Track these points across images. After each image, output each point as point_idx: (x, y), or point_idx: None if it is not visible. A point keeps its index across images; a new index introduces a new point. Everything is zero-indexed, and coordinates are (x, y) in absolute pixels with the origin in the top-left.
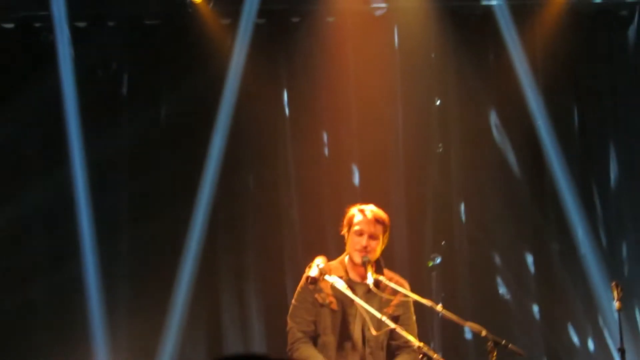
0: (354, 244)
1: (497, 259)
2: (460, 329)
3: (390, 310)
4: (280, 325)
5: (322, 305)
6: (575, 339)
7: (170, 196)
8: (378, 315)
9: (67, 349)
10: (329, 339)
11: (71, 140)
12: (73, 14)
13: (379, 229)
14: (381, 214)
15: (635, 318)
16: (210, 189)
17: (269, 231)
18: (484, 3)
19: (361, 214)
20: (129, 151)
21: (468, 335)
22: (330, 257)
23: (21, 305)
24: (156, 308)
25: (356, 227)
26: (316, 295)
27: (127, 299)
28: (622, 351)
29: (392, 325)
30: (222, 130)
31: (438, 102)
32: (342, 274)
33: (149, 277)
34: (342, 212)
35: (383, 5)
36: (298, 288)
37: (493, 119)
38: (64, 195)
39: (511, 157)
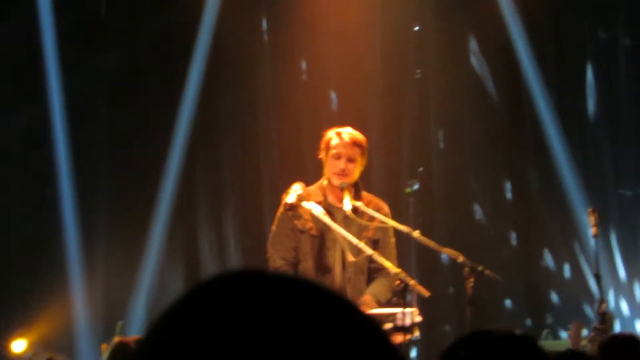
0: (331, 167)
1: (475, 186)
2: (437, 255)
3: (369, 233)
4: (258, 249)
5: (301, 232)
6: (551, 265)
7: (150, 123)
8: (355, 241)
9: (45, 279)
10: (309, 264)
11: (48, 67)
12: None
13: (356, 152)
14: (358, 136)
15: (610, 244)
16: (190, 114)
17: (247, 156)
18: None
19: (338, 137)
20: (108, 77)
21: (445, 261)
22: (308, 183)
23: None
24: (134, 238)
25: (333, 151)
26: (295, 222)
27: (106, 228)
28: (597, 277)
29: (369, 251)
30: (200, 56)
31: (416, 28)
32: (321, 198)
33: (127, 206)
34: (320, 137)
35: None
36: (277, 214)
37: (472, 45)
38: (42, 122)
39: (490, 84)
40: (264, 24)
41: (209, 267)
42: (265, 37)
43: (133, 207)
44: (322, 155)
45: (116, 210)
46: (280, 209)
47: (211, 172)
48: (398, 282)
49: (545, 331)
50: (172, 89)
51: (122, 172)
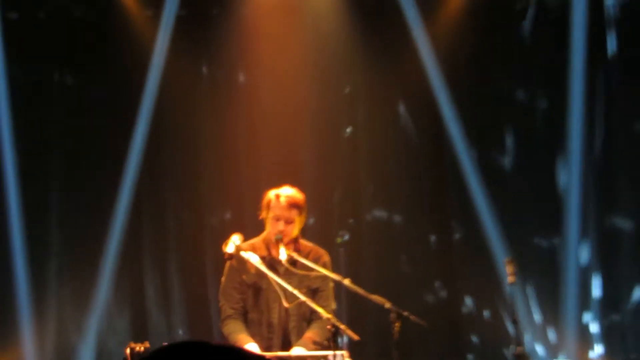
0: (272, 228)
1: (402, 237)
2: (366, 301)
3: (310, 283)
4: (201, 296)
5: (248, 286)
6: (473, 310)
7: (98, 172)
8: (289, 288)
9: None
10: (255, 315)
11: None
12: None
13: (294, 213)
14: (296, 197)
15: (526, 291)
16: (136, 162)
17: (190, 204)
18: None
19: (277, 199)
20: (58, 126)
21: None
22: (248, 231)
23: None
24: (84, 284)
25: (271, 214)
26: (243, 276)
27: (55, 275)
28: (515, 322)
29: (302, 298)
30: (146, 109)
31: (347, 90)
32: (265, 252)
33: (76, 253)
34: (258, 187)
35: None
36: (226, 269)
37: (400, 106)
38: None
39: (416, 142)
40: (203, 75)
41: (155, 314)
42: (206, 83)
43: (82, 255)
44: (263, 214)
45: (66, 257)
46: (227, 264)
47: (156, 221)
48: (330, 326)
49: None
50: (119, 138)
51: (71, 220)
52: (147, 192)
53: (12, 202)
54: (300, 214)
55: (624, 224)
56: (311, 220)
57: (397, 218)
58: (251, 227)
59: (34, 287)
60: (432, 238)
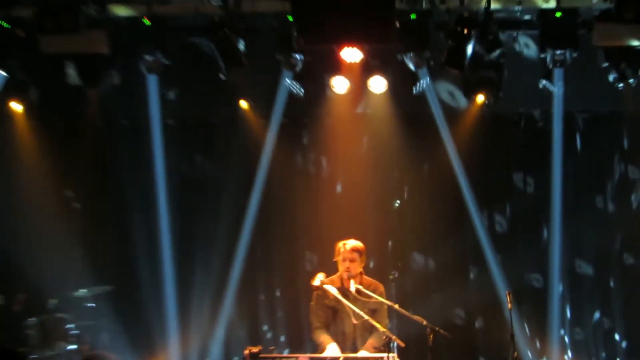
0: (342, 267)
1: (433, 275)
2: (410, 320)
3: (370, 306)
4: (296, 314)
5: (328, 307)
6: (482, 327)
7: (226, 226)
8: (357, 310)
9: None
10: (333, 328)
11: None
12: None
13: (355, 255)
14: (357, 245)
15: (521, 313)
16: (251, 225)
17: (288, 255)
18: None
19: (344, 246)
20: (207, 199)
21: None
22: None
23: None
24: (214, 301)
25: (340, 257)
26: (325, 301)
27: (197, 295)
28: (512, 336)
29: (365, 317)
30: (258, 188)
31: (396, 175)
32: (339, 284)
33: (209, 278)
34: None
35: (360, 110)
36: (313, 296)
37: (432, 184)
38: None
39: (442, 209)
40: (299, 160)
41: (264, 325)
42: (300, 170)
43: (214, 281)
44: (336, 258)
45: (204, 283)
46: (314, 292)
47: (266, 264)
48: (385, 337)
49: None
50: (242, 207)
51: (207, 261)
52: (261, 244)
53: (165, 253)
54: (360, 256)
55: (587, 269)
56: (371, 264)
57: (430, 262)
58: (331, 269)
59: (181, 305)
60: (453, 274)
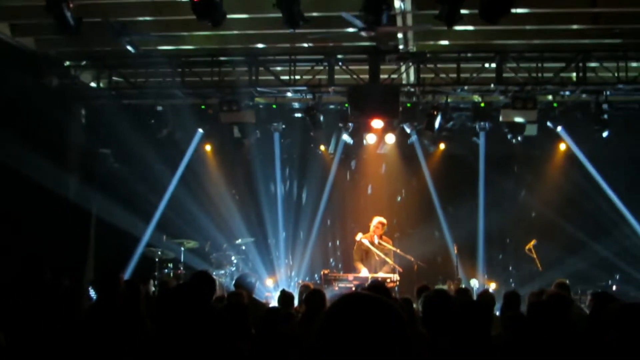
0: (372, 230)
1: (420, 238)
2: (403, 257)
3: (385, 250)
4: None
5: (363, 250)
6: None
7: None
8: (377, 252)
9: None
10: (366, 261)
11: None
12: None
13: (380, 225)
14: (382, 220)
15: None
16: (322, 214)
17: (343, 223)
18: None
19: (375, 220)
20: None
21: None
22: (363, 229)
23: None
24: None
25: (372, 224)
26: (362, 247)
27: None
28: (456, 267)
29: (382, 255)
30: (327, 191)
31: (399, 198)
32: (370, 239)
33: None
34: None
35: (380, 151)
36: (356, 244)
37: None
38: None
39: (418, 203)
40: (348, 177)
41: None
42: (350, 187)
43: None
44: (370, 224)
45: None
46: (356, 242)
47: (335, 229)
48: (394, 267)
49: None
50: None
51: None
52: (330, 217)
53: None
54: (383, 225)
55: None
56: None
57: (413, 229)
58: (366, 230)
59: (288, 247)
60: (423, 232)
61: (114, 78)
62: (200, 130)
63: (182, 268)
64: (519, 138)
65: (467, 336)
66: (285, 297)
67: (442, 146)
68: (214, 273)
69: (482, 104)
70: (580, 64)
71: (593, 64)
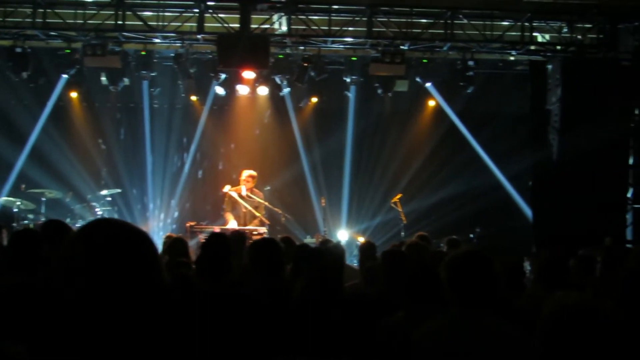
0: (241, 183)
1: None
2: (273, 211)
3: (254, 203)
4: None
5: (232, 202)
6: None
7: None
8: (246, 205)
9: None
10: (234, 213)
11: None
12: None
13: (249, 178)
14: (251, 172)
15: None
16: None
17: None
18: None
19: (243, 172)
20: None
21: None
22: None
23: None
24: None
25: (241, 177)
26: (231, 199)
27: None
28: (324, 219)
29: (249, 207)
30: (195, 143)
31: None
32: (239, 191)
33: None
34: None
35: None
36: (224, 197)
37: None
38: None
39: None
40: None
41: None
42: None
43: None
44: (239, 178)
45: None
46: (226, 194)
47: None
48: (260, 219)
49: None
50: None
51: None
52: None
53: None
54: (253, 179)
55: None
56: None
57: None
58: (233, 183)
59: (156, 192)
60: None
61: None
62: (65, 76)
63: (43, 219)
64: (389, 94)
65: (318, 284)
66: None
67: (314, 99)
68: (76, 225)
69: (354, 58)
70: (449, 21)
71: (461, 22)
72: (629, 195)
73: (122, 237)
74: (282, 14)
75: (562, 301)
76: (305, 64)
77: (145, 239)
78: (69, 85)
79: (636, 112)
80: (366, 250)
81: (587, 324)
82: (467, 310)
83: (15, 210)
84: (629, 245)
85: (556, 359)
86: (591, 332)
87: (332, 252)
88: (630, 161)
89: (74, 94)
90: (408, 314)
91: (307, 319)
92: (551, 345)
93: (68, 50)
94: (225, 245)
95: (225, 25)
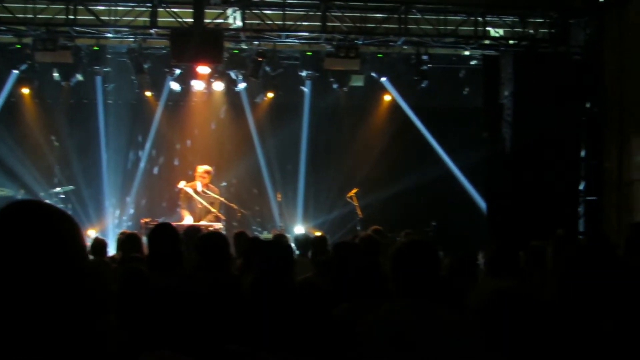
0: (197, 179)
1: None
2: (229, 207)
3: (210, 199)
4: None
5: (187, 198)
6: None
7: None
8: (202, 201)
9: None
10: (190, 209)
11: None
12: None
13: (205, 174)
14: (206, 167)
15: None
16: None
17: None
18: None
19: (199, 168)
20: None
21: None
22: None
23: None
24: None
25: (197, 173)
26: (187, 195)
27: None
28: (281, 214)
29: (205, 203)
30: (151, 137)
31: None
32: (195, 187)
33: None
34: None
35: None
36: (181, 192)
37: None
38: None
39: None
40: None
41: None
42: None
43: None
44: (195, 174)
45: None
46: (181, 190)
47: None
48: (215, 215)
49: None
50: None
51: None
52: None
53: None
54: (208, 174)
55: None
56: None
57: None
58: (189, 179)
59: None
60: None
61: None
62: (16, 72)
63: None
64: (345, 88)
65: (267, 277)
66: (97, 244)
67: (270, 95)
68: None
69: (309, 53)
70: (403, 16)
71: (415, 16)
72: (581, 187)
73: (39, 214)
74: (236, 8)
75: (496, 288)
76: (260, 59)
77: (63, 217)
78: (20, 81)
79: (587, 105)
80: (318, 244)
81: (513, 306)
82: (411, 299)
83: None
84: (580, 237)
85: (492, 337)
86: (516, 312)
87: (281, 244)
88: (582, 154)
89: (25, 90)
90: (352, 306)
91: (255, 311)
92: (487, 325)
93: (18, 45)
94: (171, 234)
95: (179, 19)
